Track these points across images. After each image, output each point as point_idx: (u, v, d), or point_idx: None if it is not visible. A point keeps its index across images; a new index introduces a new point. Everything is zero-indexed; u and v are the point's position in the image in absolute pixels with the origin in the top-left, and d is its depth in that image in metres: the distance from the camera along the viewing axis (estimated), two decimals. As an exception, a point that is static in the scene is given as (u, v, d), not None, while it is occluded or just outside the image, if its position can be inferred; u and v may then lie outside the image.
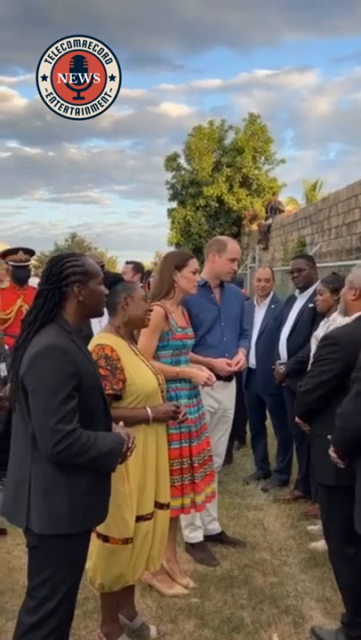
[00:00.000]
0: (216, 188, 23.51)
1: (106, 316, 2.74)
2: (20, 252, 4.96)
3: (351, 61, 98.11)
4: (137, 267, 6.18)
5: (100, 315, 2.32)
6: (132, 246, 78.42)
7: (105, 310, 2.48)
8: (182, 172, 24.80)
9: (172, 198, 25.28)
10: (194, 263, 3.32)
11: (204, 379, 3.26)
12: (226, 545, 3.84)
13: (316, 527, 4.03)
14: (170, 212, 25.33)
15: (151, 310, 2.91)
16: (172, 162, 24.99)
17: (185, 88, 69.71)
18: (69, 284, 2.13)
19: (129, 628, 2.86)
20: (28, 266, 4.96)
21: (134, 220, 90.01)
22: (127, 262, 6.22)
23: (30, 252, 5.01)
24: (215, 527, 3.89)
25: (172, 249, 21.87)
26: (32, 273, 5.60)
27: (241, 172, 23.65)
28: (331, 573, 3.15)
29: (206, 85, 66.66)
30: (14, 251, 5.02)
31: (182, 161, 24.93)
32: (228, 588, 3.33)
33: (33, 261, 5.44)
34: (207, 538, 3.79)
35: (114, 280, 2.72)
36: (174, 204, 25.26)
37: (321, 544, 3.70)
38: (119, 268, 25.31)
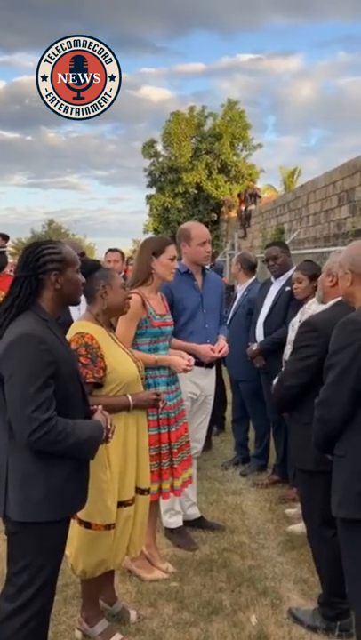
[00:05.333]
0: (195, 175, 23.44)
1: (85, 304, 2.73)
2: None
3: (335, 46, 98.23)
4: (122, 254, 6.13)
5: (77, 303, 2.31)
6: (112, 233, 78.08)
7: (83, 298, 2.46)
8: (160, 159, 24.66)
9: (151, 185, 25.16)
10: (172, 250, 3.32)
11: (183, 365, 3.28)
12: (205, 529, 3.88)
13: (294, 510, 4.10)
14: (148, 198, 25.20)
15: (130, 298, 2.91)
16: (149, 148, 24.82)
17: (167, 72, 69.23)
18: (46, 271, 2.12)
19: (109, 613, 2.89)
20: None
21: (114, 207, 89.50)
22: (111, 250, 6.06)
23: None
24: (194, 512, 3.93)
25: (150, 236, 21.78)
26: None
27: (219, 159, 23.60)
28: (308, 555, 3.21)
29: (188, 70, 66.22)
30: None
31: (160, 147, 24.80)
32: (207, 572, 3.37)
33: (10, 248, 5.39)
34: (186, 523, 3.83)
35: (92, 267, 2.71)
36: (153, 191, 25.15)
37: (298, 527, 3.76)
38: (97, 255, 25.14)
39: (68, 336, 2.59)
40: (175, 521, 3.75)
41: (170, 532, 3.76)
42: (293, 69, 70.44)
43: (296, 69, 70.78)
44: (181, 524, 3.77)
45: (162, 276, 3.29)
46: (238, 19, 70.34)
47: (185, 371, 3.31)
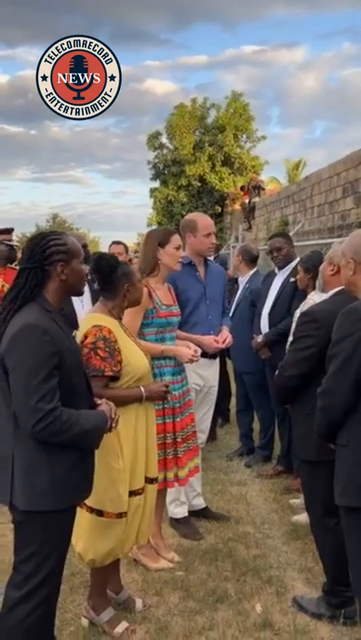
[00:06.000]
0: (198, 167, 23.36)
1: (86, 295, 2.74)
2: None
3: (340, 37, 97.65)
4: (125, 247, 6.15)
5: (81, 294, 2.32)
6: (116, 227, 78.07)
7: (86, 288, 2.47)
8: (165, 151, 24.59)
9: (154, 178, 25.10)
10: (177, 239, 3.33)
11: (189, 356, 3.29)
12: (210, 519, 3.91)
13: (299, 501, 4.11)
14: (152, 191, 25.15)
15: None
16: (154, 140, 24.73)
17: (170, 64, 69.00)
18: (52, 262, 2.13)
19: (115, 602, 2.91)
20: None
21: (117, 200, 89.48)
22: (115, 242, 6.09)
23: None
24: (200, 502, 3.95)
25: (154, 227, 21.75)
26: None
27: (223, 151, 23.50)
28: (312, 545, 3.22)
29: (192, 62, 65.96)
30: None
31: (165, 139, 24.72)
32: (213, 561, 3.40)
33: (15, 242, 5.42)
34: (192, 513, 3.85)
35: (114, 265, 2.68)
36: (156, 184, 25.09)
37: (303, 517, 3.78)
38: (101, 248, 25.14)
39: (83, 328, 2.61)
40: (180, 511, 3.77)
41: (175, 522, 3.78)
42: (298, 61, 70.09)
43: (300, 61, 70.43)
44: (187, 514, 3.79)
45: (168, 265, 3.31)
46: (241, 10, 70.03)
47: (191, 361, 3.32)
